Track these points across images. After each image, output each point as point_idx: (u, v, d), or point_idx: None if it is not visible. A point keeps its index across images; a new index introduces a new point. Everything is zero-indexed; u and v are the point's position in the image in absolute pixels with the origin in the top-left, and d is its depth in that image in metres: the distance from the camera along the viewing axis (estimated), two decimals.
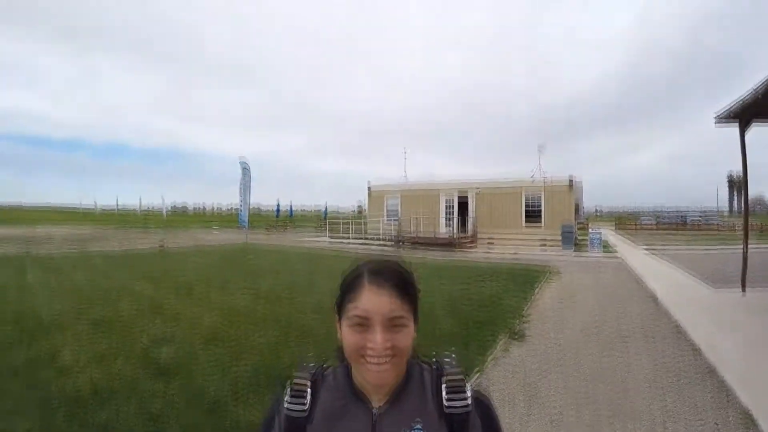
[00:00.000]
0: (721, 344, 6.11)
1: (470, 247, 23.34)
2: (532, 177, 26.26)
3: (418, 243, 23.56)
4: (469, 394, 0.93)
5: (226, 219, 43.74)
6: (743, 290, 9.94)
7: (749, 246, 10.69)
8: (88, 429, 3.67)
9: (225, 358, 5.46)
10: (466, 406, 0.92)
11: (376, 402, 0.93)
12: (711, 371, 5.11)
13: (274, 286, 10.97)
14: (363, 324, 0.88)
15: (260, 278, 12.19)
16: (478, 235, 25.38)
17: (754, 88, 8.70)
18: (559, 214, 24.30)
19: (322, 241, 28.51)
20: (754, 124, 10.06)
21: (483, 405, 0.97)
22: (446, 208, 27.40)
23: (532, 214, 25.45)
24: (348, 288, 0.93)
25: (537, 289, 10.78)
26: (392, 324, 0.88)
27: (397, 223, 26.56)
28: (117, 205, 49.23)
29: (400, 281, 0.92)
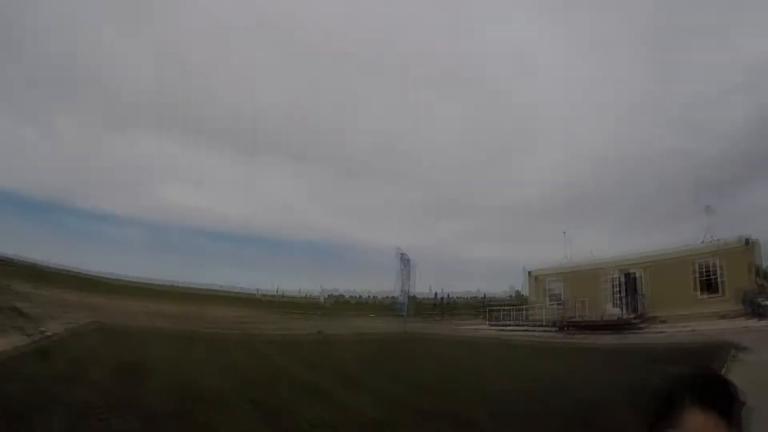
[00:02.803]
0: None
1: (641, 328, 19.99)
2: (702, 242, 22.66)
3: (584, 327, 21.03)
4: None
5: (381, 307, 44.85)
6: None
7: None
8: None
9: None
10: None
11: None
12: None
13: (440, 378, 9.96)
14: None
15: (423, 368, 11.43)
16: (650, 313, 21.86)
17: None
18: (738, 281, 20.07)
19: (482, 328, 26.75)
20: None
21: None
22: (612, 287, 24.64)
23: (707, 284, 21.77)
24: (665, 408, 0.87)
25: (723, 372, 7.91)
26: None
27: (561, 307, 24.46)
28: (277, 291, 53.92)
29: (727, 402, 0.86)
